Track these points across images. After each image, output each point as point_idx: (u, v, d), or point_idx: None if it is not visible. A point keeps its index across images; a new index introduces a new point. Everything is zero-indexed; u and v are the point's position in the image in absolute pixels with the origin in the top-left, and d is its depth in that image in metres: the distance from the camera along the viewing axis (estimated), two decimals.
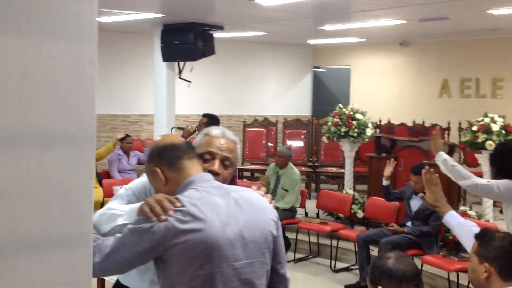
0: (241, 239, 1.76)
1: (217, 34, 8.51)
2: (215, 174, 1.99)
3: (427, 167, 2.75)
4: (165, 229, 1.65)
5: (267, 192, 2.08)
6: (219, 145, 2.04)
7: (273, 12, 7.03)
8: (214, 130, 2.10)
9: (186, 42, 7.73)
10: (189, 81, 8.42)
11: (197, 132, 6.53)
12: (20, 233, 0.92)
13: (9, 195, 0.94)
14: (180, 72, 8.37)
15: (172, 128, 6.09)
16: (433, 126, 9.86)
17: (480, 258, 2.25)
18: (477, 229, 2.60)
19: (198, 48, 7.70)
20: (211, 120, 6.32)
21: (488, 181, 3.73)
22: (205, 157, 2.01)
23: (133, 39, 10.05)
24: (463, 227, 2.67)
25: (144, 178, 2.11)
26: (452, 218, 2.72)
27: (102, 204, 6.95)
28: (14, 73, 0.93)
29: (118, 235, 1.72)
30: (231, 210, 1.76)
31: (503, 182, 3.58)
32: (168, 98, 8.31)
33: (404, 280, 1.93)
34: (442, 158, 3.83)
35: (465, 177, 3.72)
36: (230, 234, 1.73)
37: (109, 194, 6.50)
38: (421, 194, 2.80)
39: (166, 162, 1.83)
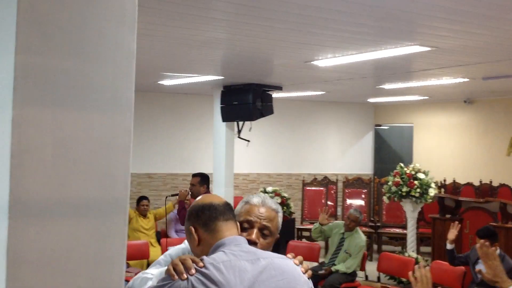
0: None
1: (276, 94, 8.62)
2: (253, 243, 1.95)
3: (482, 241, 2.58)
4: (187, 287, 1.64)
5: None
6: (258, 214, 2.02)
7: (330, 72, 7.07)
8: (255, 198, 2.07)
9: (244, 102, 7.87)
10: (248, 140, 8.51)
11: (189, 193, 6.59)
12: None
13: (43, 263, 0.94)
14: (239, 131, 8.50)
15: (166, 197, 6.24)
16: (502, 186, 9.43)
17: None
18: None
19: (256, 108, 7.82)
20: (203, 178, 6.46)
21: None
22: (244, 226, 1.99)
23: (194, 100, 10.35)
24: None
25: (184, 245, 2.11)
26: None
27: None
28: (50, 143, 0.95)
29: None
30: (257, 277, 1.71)
31: None
32: (227, 157, 8.41)
33: None
34: None
35: None
36: None
37: None
38: (478, 268, 2.63)
39: (202, 222, 1.81)
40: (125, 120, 1.12)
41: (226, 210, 1.84)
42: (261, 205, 2.04)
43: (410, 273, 2.65)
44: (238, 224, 1.90)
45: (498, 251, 5.36)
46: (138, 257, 6.81)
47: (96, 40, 1.00)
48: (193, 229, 1.82)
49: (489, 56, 5.69)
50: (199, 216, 1.83)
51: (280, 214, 2.11)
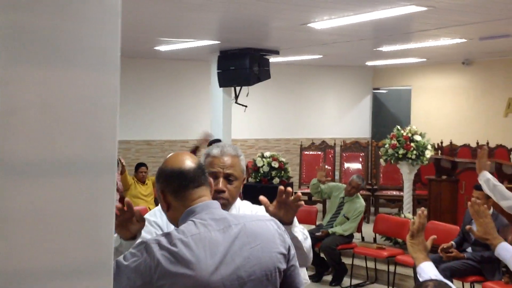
0: (238, 279, 1.65)
1: (273, 59, 8.57)
2: (220, 192, 2.02)
3: (473, 199, 2.58)
4: (154, 266, 1.59)
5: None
6: (220, 164, 2.10)
7: (327, 35, 7.02)
8: (214, 150, 2.14)
9: (241, 67, 7.83)
10: (245, 106, 8.50)
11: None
12: (41, 262, 0.94)
13: (30, 223, 0.96)
14: (236, 97, 8.48)
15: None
16: (499, 147, 9.47)
17: None
18: None
19: (253, 73, 7.79)
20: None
21: None
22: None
23: (190, 66, 10.29)
24: None
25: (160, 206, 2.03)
26: (504, 251, 2.55)
27: None
28: (36, 103, 0.96)
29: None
30: (228, 248, 1.66)
31: None
32: (225, 123, 8.42)
33: None
34: (485, 177, 3.67)
35: (507, 198, 3.55)
36: (225, 275, 1.63)
37: None
38: (468, 226, 2.64)
39: (171, 189, 1.75)
40: (112, 79, 1.12)
41: (196, 176, 1.76)
42: (220, 155, 2.12)
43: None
44: (211, 184, 1.84)
45: (491, 210, 5.43)
46: None
47: None
48: (162, 196, 1.77)
49: (485, 15, 5.64)
50: (168, 182, 1.76)
51: (242, 157, 2.18)
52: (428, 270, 2.28)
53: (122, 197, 6.73)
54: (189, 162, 1.79)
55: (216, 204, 1.79)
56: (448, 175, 7.18)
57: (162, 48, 8.31)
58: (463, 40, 7.43)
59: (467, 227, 2.63)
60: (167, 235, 1.64)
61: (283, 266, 1.76)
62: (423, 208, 2.42)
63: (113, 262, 1.13)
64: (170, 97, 10.27)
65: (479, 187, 5.10)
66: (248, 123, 10.70)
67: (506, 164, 7.05)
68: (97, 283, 1.03)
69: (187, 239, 1.62)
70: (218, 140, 6.55)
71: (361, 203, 6.70)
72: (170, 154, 1.89)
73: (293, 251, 1.81)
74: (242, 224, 1.73)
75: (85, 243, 1.02)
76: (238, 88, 8.44)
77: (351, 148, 10.31)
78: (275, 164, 8.63)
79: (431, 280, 2.02)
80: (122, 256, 1.66)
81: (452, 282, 5.24)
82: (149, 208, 7.39)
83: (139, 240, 1.79)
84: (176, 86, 10.34)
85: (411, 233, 2.35)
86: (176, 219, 1.76)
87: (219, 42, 7.57)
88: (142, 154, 9.89)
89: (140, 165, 7.86)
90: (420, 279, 2.16)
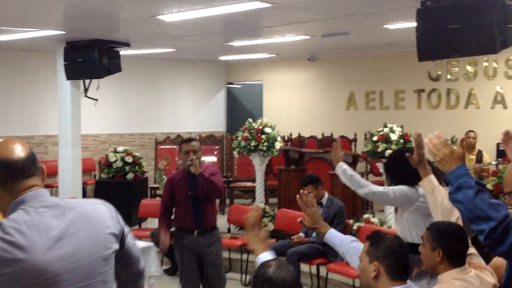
0: (76, 261, 1.68)
1: (124, 51, 8.36)
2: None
3: (301, 191, 2.76)
4: None
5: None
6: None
7: (178, 28, 7.01)
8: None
9: (90, 59, 7.53)
10: (96, 99, 8.21)
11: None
12: None
13: None
14: (86, 90, 8.14)
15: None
16: (342, 137, 10.18)
17: (370, 257, 2.34)
18: (358, 244, 2.69)
19: (103, 65, 7.52)
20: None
21: (384, 188, 3.86)
22: None
23: (34, 57, 9.69)
24: (344, 244, 2.74)
25: None
26: (332, 237, 2.76)
27: None
28: None
29: None
30: (64, 232, 1.68)
31: (397, 188, 3.73)
32: (73, 117, 8.05)
33: (284, 287, 1.95)
34: (341, 168, 3.92)
35: (363, 186, 3.82)
36: (62, 256, 1.64)
37: None
38: (300, 218, 2.80)
39: None
40: None
41: (26, 167, 1.71)
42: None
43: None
44: (44, 172, 1.81)
45: (326, 195, 5.83)
46: None
47: None
48: None
49: (326, 13, 6.02)
50: None
51: None
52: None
53: None
54: (18, 151, 1.72)
55: (47, 192, 1.78)
56: (296, 165, 7.58)
57: (2, 37, 7.71)
58: (307, 36, 7.85)
59: (298, 220, 2.79)
60: None
61: (116, 246, 1.84)
62: (256, 205, 2.56)
63: None
64: (13, 91, 9.59)
65: (306, 183, 5.53)
66: (100, 117, 10.34)
67: (348, 153, 7.61)
68: None
69: (19, 226, 1.61)
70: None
71: None
72: None
73: (126, 229, 1.92)
74: (77, 208, 1.77)
75: None
76: (87, 81, 8.11)
77: (206, 141, 10.44)
78: (129, 159, 8.47)
79: (273, 259, 2.14)
80: None
81: (299, 265, 5.56)
82: None
83: None
84: (19, 78, 9.66)
85: (249, 226, 2.47)
86: (3, 210, 1.71)
87: (65, 32, 7.21)
88: None
89: None
90: None
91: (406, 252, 2.39)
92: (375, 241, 2.37)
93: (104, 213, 1.84)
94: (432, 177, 2.93)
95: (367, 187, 3.82)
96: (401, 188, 3.70)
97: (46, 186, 8.09)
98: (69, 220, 1.71)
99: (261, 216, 2.50)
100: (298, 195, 2.70)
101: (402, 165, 3.50)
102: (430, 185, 2.91)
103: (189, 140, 4.74)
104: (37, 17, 6.31)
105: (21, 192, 1.70)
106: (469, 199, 2.05)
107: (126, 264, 1.95)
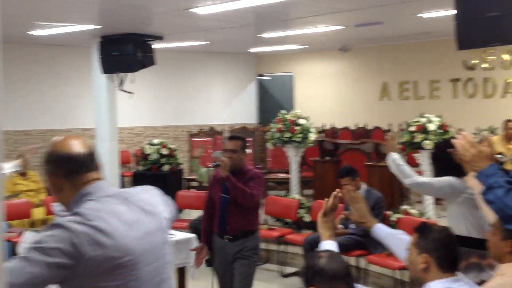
0: (148, 243, 1.80)
1: (157, 45, 8.42)
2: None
3: (346, 187, 2.74)
4: (79, 243, 1.62)
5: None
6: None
7: (210, 21, 7.03)
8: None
9: (125, 53, 7.61)
10: (131, 93, 8.30)
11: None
12: None
13: None
14: (121, 83, 8.24)
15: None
16: (376, 129, 10.09)
17: (419, 249, 2.32)
18: (405, 237, 2.66)
19: (137, 59, 7.60)
20: (244, 142, 4.62)
21: (429, 179, 3.82)
22: None
23: (69, 52, 9.84)
24: (392, 237, 2.72)
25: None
26: (379, 231, 2.74)
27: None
28: None
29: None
30: (133, 216, 1.80)
31: (443, 179, 3.67)
32: (110, 111, 8.15)
33: (335, 279, 1.94)
34: (392, 158, 3.88)
35: (408, 176, 3.79)
36: (138, 240, 1.76)
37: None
38: (345, 212, 2.79)
39: (62, 173, 1.79)
40: None
41: (86, 161, 1.83)
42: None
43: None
44: (100, 169, 1.91)
45: (363, 186, 5.78)
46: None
47: None
48: (52, 178, 1.81)
49: (359, 2, 5.95)
50: (58, 166, 1.80)
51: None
52: (328, 248, 2.39)
53: None
54: (77, 147, 1.83)
55: (107, 184, 1.89)
56: (331, 156, 7.54)
57: (37, 32, 7.85)
58: (340, 27, 7.78)
59: (345, 213, 2.78)
60: (77, 214, 1.70)
61: (169, 229, 1.98)
62: (338, 189, 2.53)
63: None
64: (48, 85, 9.77)
65: (342, 175, 5.47)
66: (135, 110, 10.47)
67: (383, 144, 7.53)
68: None
69: (100, 213, 1.71)
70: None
71: None
72: (58, 137, 1.88)
73: (173, 213, 2.04)
74: (136, 196, 1.88)
75: None
76: (122, 75, 8.20)
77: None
78: (165, 151, 8.55)
79: (324, 251, 2.13)
80: (29, 245, 1.65)
81: None
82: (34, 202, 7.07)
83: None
84: (55, 73, 9.85)
85: (324, 211, 2.48)
86: (66, 202, 1.80)
87: (101, 27, 7.29)
88: (21, 146, 9.31)
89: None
90: None
91: (455, 243, 2.36)
92: (424, 233, 2.35)
93: (158, 198, 1.97)
94: None
95: (412, 177, 3.78)
96: (447, 179, 3.65)
97: None
98: (133, 205, 1.83)
99: (337, 205, 2.45)
100: (342, 190, 2.64)
101: (449, 157, 3.44)
102: (474, 180, 2.86)
103: (229, 138, 4.47)
104: (73, 11, 6.40)
105: (84, 184, 1.80)
106: (500, 199, 2.02)
107: None
